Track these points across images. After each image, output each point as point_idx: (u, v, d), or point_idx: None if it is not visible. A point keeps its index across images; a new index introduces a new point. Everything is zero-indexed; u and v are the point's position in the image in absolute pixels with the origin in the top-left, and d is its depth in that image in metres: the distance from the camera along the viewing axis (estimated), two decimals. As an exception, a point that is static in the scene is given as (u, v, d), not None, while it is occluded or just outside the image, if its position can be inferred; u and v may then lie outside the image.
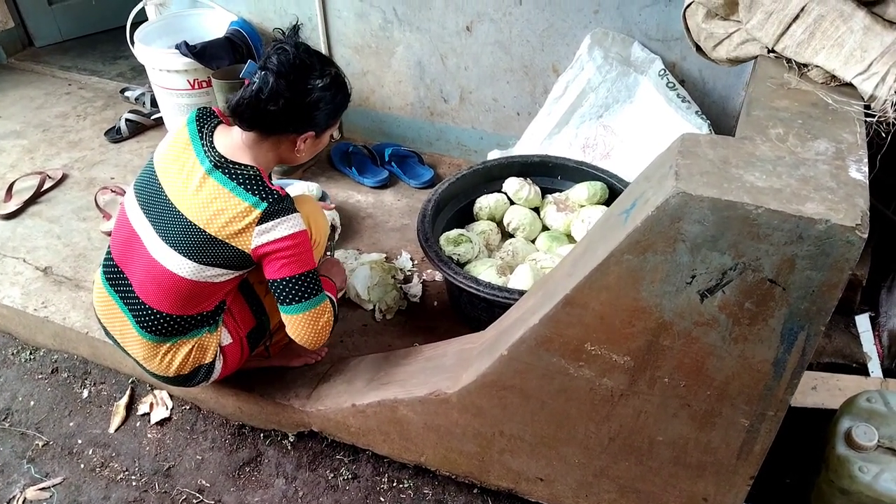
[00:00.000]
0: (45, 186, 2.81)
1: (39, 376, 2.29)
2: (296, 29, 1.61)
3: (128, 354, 1.79)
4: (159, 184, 1.64)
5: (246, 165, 1.61)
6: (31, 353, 2.36)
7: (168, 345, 1.71)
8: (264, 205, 1.57)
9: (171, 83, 2.71)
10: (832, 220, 1.03)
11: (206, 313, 1.70)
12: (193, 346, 1.72)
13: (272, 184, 1.62)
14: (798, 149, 1.19)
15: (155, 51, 2.66)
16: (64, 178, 2.90)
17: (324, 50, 2.81)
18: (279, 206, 1.59)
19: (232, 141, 1.63)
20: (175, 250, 1.61)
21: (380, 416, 1.78)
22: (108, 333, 1.82)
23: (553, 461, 1.63)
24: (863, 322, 1.93)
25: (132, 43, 2.76)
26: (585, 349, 1.37)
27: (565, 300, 1.31)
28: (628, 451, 1.51)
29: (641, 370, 1.35)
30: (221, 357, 1.78)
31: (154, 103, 3.15)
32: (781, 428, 1.34)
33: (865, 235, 1.03)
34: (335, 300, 1.79)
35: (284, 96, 1.53)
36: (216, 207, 1.58)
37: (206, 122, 1.68)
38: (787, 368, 1.22)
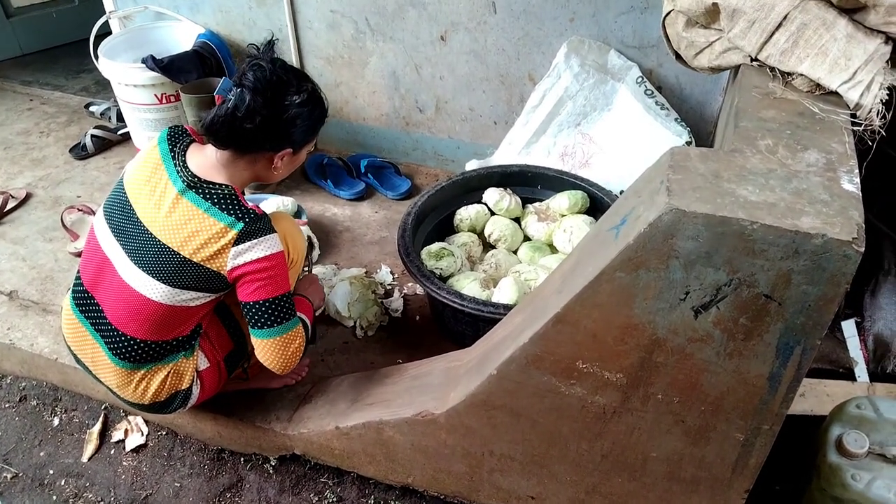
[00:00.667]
0: (8, 206, 2.71)
1: (6, 405, 2.20)
2: (271, 44, 1.56)
3: (100, 382, 1.72)
4: (130, 206, 1.58)
5: (220, 185, 1.55)
6: (-3, 382, 2.27)
7: (143, 371, 1.64)
8: (240, 225, 1.52)
9: (138, 98, 2.64)
10: (828, 234, 1.02)
11: (181, 338, 1.64)
12: (169, 372, 1.65)
13: (248, 202, 1.57)
14: (789, 160, 1.18)
15: (120, 65, 2.58)
16: (28, 197, 2.80)
17: (295, 62, 2.76)
18: (255, 225, 1.54)
19: (206, 160, 1.58)
20: (148, 274, 1.55)
21: (365, 439, 1.74)
22: (78, 361, 1.74)
23: (544, 479, 1.60)
24: (848, 327, 1.94)
25: (96, 57, 2.68)
26: (577, 367, 1.34)
27: (556, 318, 1.28)
28: (621, 467, 1.48)
29: (634, 387, 1.32)
30: (198, 382, 1.72)
31: (120, 118, 3.06)
32: (771, 436, 1.32)
33: (862, 249, 1.02)
34: (309, 322, 1.74)
35: (261, 114, 1.48)
36: (191, 229, 1.52)
37: (177, 140, 1.62)
38: (782, 382, 1.21)
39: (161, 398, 1.68)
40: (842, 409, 1.60)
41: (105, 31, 2.85)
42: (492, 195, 2.25)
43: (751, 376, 1.22)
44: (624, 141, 2.31)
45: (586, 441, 1.47)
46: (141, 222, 1.56)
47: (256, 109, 1.47)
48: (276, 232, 1.58)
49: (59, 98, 3.51)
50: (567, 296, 1.26)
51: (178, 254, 1.53)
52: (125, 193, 1.60)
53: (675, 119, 2.22)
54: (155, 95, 2.65)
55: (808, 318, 1.11)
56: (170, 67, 2.55)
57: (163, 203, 1.55)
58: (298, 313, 1.70)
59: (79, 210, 2.67)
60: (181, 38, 2.82)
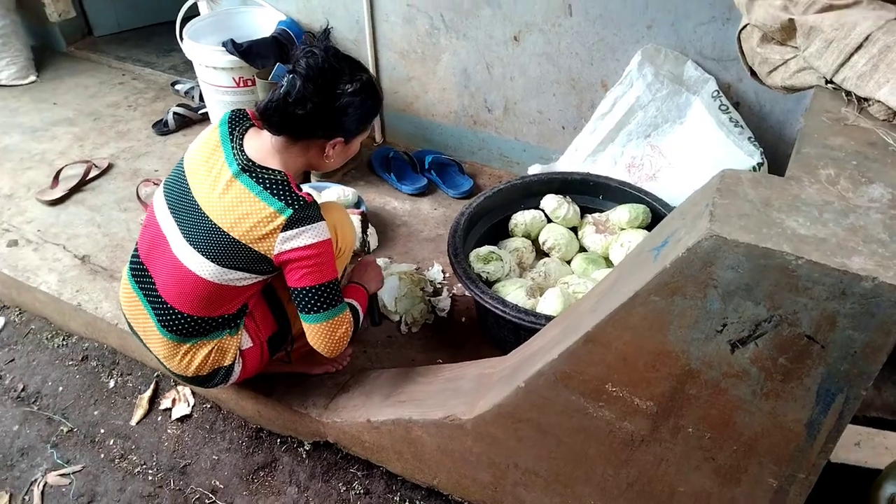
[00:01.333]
0: (91, 175, 2.86)
1: (70, 363, 2.33)
2: (326, 32, 1.58)
3: (150, 351, 1.79)
4: (187, 185, 1.63)
5: (273, 170, 1.59)
6: (63, 339, 2.40)
7: (188, 345, 1.70)
8: (290, 211, 1.55)
9: (217, 80, 2.72)
10: (880, 277, 0.94)
11: (227, 316, 1.69)
12: (213, 348, 1.70)
13: (300, 189, 1.59)
14: (849, 193, 1.10)
15: (202, 47, 2.67)
16: (109, 167, 2.94)
17: (370, 54, 2.79)
18: (305, 213, 1.56)
19: (262, 144, 1.61)
20: (198, 252, 1.60)
21: (394, 435, 1.74)
22: (132, 328, 1.82)
23: (568, 500, 1.56)
24: (915, 376, 1.80)
25: (181, 38, 2.78)
26: (606, 389, 1.30)
27: (587, 337, 1.24)
28: (647, 497, 1.43)
29: (664, 417, 1.27)
30: (241, 360, 1.76)
31: (202, 97, 3.18)
32: (817, 483, 1.24)
33: (917, 297, 0.94)
34: (360, 308, 1.76)
35: (312, 101, 1.51)
36: (241, 211, 1.56)
37: (237, 124, 1.66)
38: (821, 431, 1.13)
39: (203, 372, 1.73)
40: (897, 464, 1.49)
41: (194, 13, 2.95)
42: (550, 202, 2.21)
43: (788, 420, 1.15)
44: (694, 156, 2.22)
45: (612, 467, 1.42)
46: (196, 201, 1.61)
47: (307, 96, 1.49)
48: (324, 220, 1.60)
49: (149, 74, 3.67)
50: (600, 315, 1.22)
51: (228, 234, 1.57)
52: (184, 172, 1.66)
53: (749, 138, 2.11)
54: (233, 78, 2.72)
55: (854, 365, 1.03)
56: (248, 52, 2.61)
57: (217, 184, 1.59)
58: (348, 299, 1.73)
59: (154, 183, 2.79)
60: (263, 23, 2.89)
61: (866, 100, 1.33)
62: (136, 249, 1.78)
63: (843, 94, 1.37)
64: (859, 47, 1.31)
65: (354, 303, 1.76)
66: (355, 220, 2.36)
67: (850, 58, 1.33)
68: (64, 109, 3.37)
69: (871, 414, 1.73)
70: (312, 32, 2.87)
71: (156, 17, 4.10)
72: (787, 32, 1.47)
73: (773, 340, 1.07)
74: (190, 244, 1.61)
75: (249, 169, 1.58)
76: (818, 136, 1.24)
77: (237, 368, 1.77)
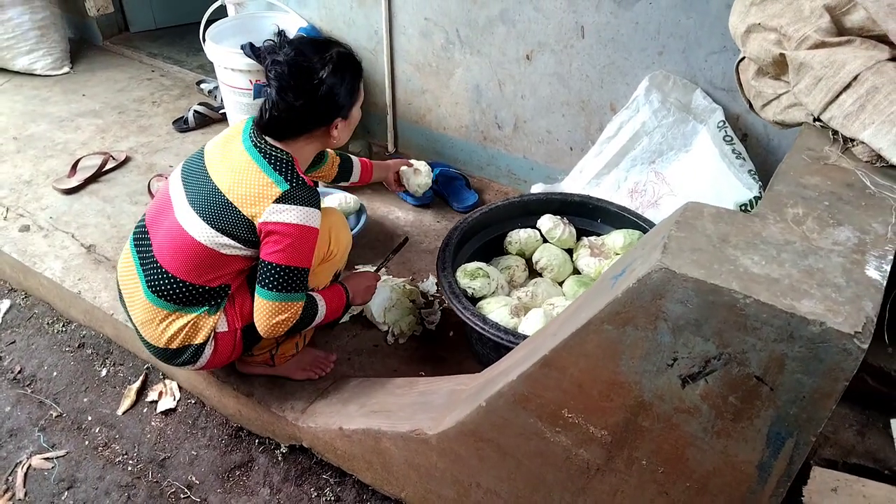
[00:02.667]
0: (108, 167, 2.93)
1: (67, 349, 2.38)
2: (281, 34, 1.66)
3: (131, 321, 1.81)
4: (203, 157, 1.74)
5: (281, 150, 1.68)
6: (63, 326, 2.45)
7: (167, 312, 1.73)
8: (286, 186, 1.62)
9: (235, 82, 2.77)
10: (828, 322, 0.92)
11: (209, 289, 1.72)
12: (189, 322, 1.72)
13: (304, 174, 1.67)
14: (814, 234, 1.07)
15: (222, 49, 2.72)
16: (127, 160, 3.01)
17: (386, 64, 2.81)
18: (300, 192, 1.63)
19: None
20: (197, 214, 1.66)
21: (364, 445, 1.74)
22: (120, 296, 1.85)
23: (528, 523, 1.54)
24: (899, 426, 1.74)
25: (203, 40, 2.84)
26: (563, 415, 1.28)
27: (544, 361, 1.23)
28: (603, 528, 1.40)
29: (619, 447, 1.25)
30: (213, 343, 1.77)
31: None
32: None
33: (865, 345, 0.91)
34: (324, 308, 1.78)
35: (296, 103, 1.59)
36: (241, 177, 1.64)
37: None
38: (772, 474, 1.10)
39: (174, 345, 1.74)
40: (870, 516, 1.44)
41: (221, 15, 3.02)
42: (546, 222, 2.20)
43: (739, 461, 1.12)
44: (696, 185, 2.19)
45: (570, 493, 1.40)
46: (206, 167, 1.70)
47: (289, 103, 1.55)
48: (319, 210, 1.67)
49: (177, 72, 3.75)
50: (558, 339, 1.21)
51: (224, 196, 1.63)
52: (204, 150, 1.76)
53: (749, 171, 2.08)
54: (250, 81, 2.77)
55: (803, 410, 1.00)
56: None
57: (228, 153, 1.69)
58: (318, 294, 1.77)
59: (166, 178, 2.84)
60: (285, 29, 2.93)
61: (851, 140, 1.30)
62: (142, 217, 1.84)
63: (830, 132, 1.34)
64: (847, 86, 1.29)
65: (320, 300, 1.78)
66: (422, 166, 2.53)
67: (837, 96, 1.30)
68: (91, 101, 3.47)
69: (852, 460, 1.67)
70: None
71: (191, 17, 4.18)
72: (779, 67, 1.45)
73: (722, 378, 1.05)
74: (192, 206, 1.68)
75: (260, 145, 1.67)
76: (794, 174, 1.21)
77: (207, 350, 1.77)
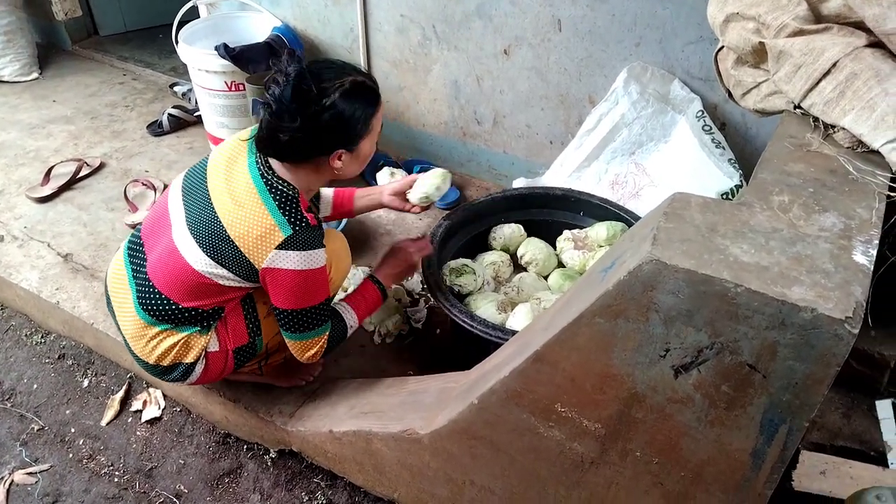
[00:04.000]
0: (82, 173, 2.87)
1: (46, 360, 2.33)
2: (292, 54, 1.54)
3: (119, 331, 1.77)
4: (205, 175, 1.66)
5: (288, 184, 1.59)
6: (42, 337, 2.41)
7: (157, 329, 1.69)
8: (290, 230, 1.54)
9: (210, 83, 2.73)
10: (819, 308, 0.92)
11: (202, 311, 1.68)
12: (179, 341, 1.69)
13: (307, 211, 1.59)
14: (801, 222, 1.08)
15: (195, 50, 2.69)
16: (101, 166, 2.96)
17: (363, 62, 2.79)
18: (303, 236, 1.56)
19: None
20: (195, 241, 1.61)
21: (355, 446, 1.73)
22: (109, 303, 1.81)
23: (523, 519, 1.54)
24: (884, 408, 1.76)
25: (176, 41, 2.79)
26: (556, 410, 1.28)
27: (535, 356, 1.23)
28: (599, 521, 1.40)
29: (613, 440, 1.25)
30: (204, 362, 1.75)
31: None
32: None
33: (856, 330, 0.92)
34: (355, 319, 1.77)
35: (290, 128, 1.49)
36: (244, 212, 1.56)
37: None
38: (766, 461, 1.10)
39: (164, 363, 1.72)
40: (859, 497, 1.45)
41: (193, 17, 2.97)
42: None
43: (732, 449, 1.12)
44: (677, 176, 2.20)
45: (564, 487, 1.40)
46: (208, 191, 1.62)
47: (283, 126, 1.48)
48: (323, 247, 1.61)
49: (150, 75, 3.69)
50: (549, 334, 1.20)
51: (225, 230, 1.57)
52: (206, 164, 1.68)
53: (729, 160, 2.09)
54: (225, 82, 2.73)
55: (796, 396, 1.01)
56: (240, 57, 2.62)
57: (233, 181, 1.60)
58: (345, 308, 1.75)
59: (142, 184, 2.80)
60: (258, 29, 2.90)
61: (832, 126, 1.31)
62: (138, 227, 1.80)
63: (811, 119, 1.35)
64: (827, 73, 1.30)
65: (347, 312, 1.76)
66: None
67: (817, 84, 1.31)
68: (62, 107, 3.40)
69: (839, 443, 1.69)
70: (308, 38, 2.88)
71: (161, 19, 4.11)
72: (759, 55, 1.45)
73: (715, 368, 1.05)
74: (190, 232, 1.62)
75: (266, 176, 1.59)
76: (777, 162, 1.22)
77: (198, 369, 1.74)
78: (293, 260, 1.55)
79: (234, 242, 1.56)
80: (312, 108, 1.50)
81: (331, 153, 1.58)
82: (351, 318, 1.77)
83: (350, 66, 1.61)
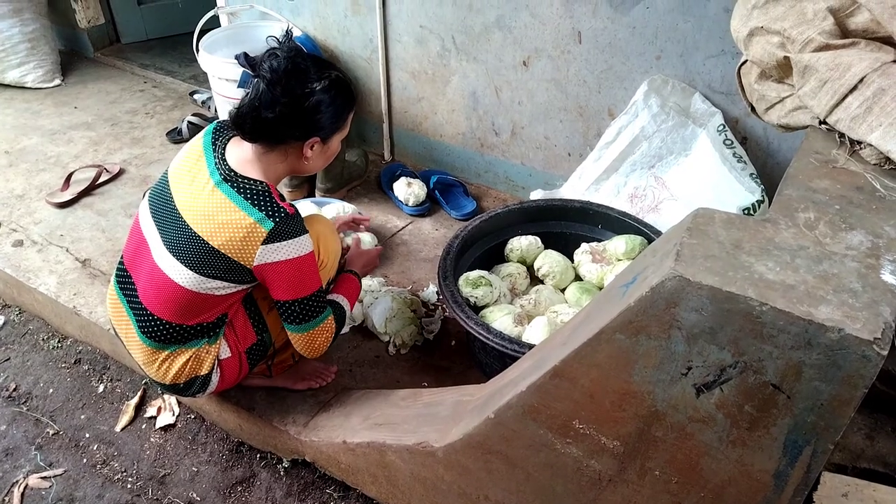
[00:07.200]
0: (101, 179, 2.90)
1: (63, 365, 2.34)
2: (289, 34, 1.58)
3: (131, 357, 1.79)
4: (170, 193, 1.64)
5: (255, 180, 1.59)
6: (59, 342, 2.42)
7: (166, 352, 1.70)
8: (271, 223, 1.55)
9: (228, 91, 2.75)
10: (846, 329, 0.90)
11: (206, 324, 1.68)
12: (190, 357, 1.70)
13: (282, 200, 1.60)
14: (827, 239, 1.06)
15: (215, 59, 2.70)
16: (121, 172, 2.98)
17: (382, 72, 2.80)
18: (286, 226, 1.56)
19: (242, 154, 1.62)
20: (178, 260, 1.60)
21: (369, 458, 1.71)
22: (117, 335, 1.83)
23: (537, 536, 1.51)
24: (909, 429, 1.73)
25: (197, 50, 2.81)
26: (573, 426, 1.26)
27: (554, 371, 1.21)
28: (615, 540, 1.38)
29: (631, 458, 1.23)
30: (219, 370, 1.75)
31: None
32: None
33: (885, 352, 0.90)
34: (348, 303, 1.81)
35: (280, 103, 1.51)
36: (221, 220, 1.56)
37: (220, 134, 1.67)
38: (789, 483, 1.08)
39: (181, 381, 1.73)
40: (883, 521, 1.43)
41: (214, 25, 3.00)
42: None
43: (755, 470, 1.10)
44: (697, 190, 2.17)
45: (580, 505, 1.38)
46: (177, 209, 1.61)
47: (275, 99, 1.49)
48: (306, 233, 1.61)
49: (170, 83, 3.72)
50: (568, 349, 1.19)
51: (207, 243, 1.57)
52: (168, 181, 1.67)
53: (751, 174, 2.07)
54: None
55: (821, 417, 0.99)
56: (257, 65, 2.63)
57: (199, 193, 1.59)
58: (336, 296, 1.79)
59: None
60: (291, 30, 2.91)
61: (859, 143, 1.29)
62: (121, 257, 1.79)
63: (837, 135, 1.33)
64: (853, 89, 1.28)
65: (342, 301, 1.79)
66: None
67: (843, 99, 1.29)
68: (84, 114, 3.44)
69: (862, 465, 1.66)
70: (328, 48, 2.89)
71: (182, 28, 4.16)
72: (783, 70, 1.44)
73: (738, 387, 1.03)
74: (170, 252, 1.62)
75: (231, 179, 1.58)
76: (803, 178, 1.20)
77: (215, 378, 1.76)
78: (283, 251, 1.56)
79: (219, 251, 1.56)
80: (304, 88, 1.54)
81: (306, 139, 1.60)
82: (346, 306, 1.81)
83: (330, 63, 1.68)
